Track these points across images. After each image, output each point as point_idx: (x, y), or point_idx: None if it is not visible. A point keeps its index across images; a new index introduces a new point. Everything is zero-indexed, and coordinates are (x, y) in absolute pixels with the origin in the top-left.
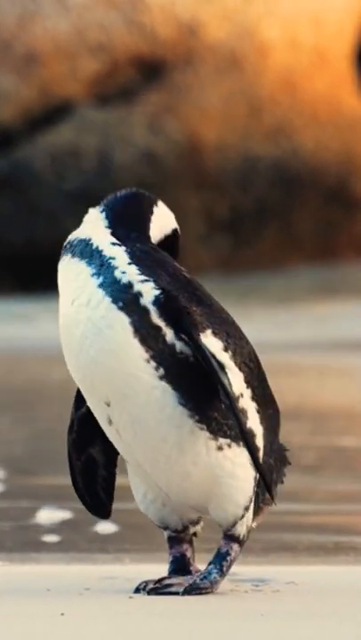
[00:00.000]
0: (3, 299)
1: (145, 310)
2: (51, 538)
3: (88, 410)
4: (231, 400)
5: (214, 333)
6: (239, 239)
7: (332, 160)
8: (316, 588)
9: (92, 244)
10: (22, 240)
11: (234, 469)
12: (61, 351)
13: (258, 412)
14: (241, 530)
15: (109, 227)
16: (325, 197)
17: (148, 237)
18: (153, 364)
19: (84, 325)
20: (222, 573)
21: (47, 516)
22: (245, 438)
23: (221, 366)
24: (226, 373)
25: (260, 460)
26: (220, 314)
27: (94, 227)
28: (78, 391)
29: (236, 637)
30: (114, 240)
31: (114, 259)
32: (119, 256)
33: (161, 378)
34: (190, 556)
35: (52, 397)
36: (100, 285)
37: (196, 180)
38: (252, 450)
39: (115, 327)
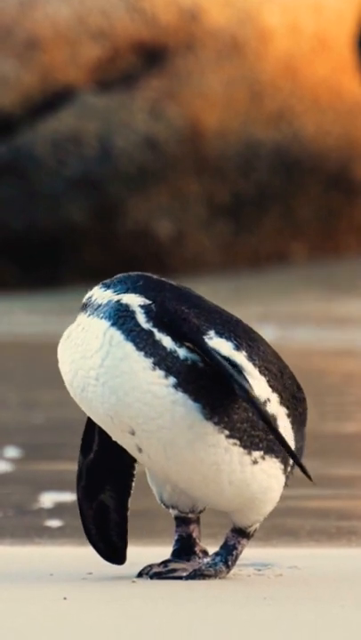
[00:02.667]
0: (3, 284)
1: (132, 317)
2: (53, 523)
3: (95, 456)
4: (251, 401)
5: (219, 334)
6: (240, 224)
7: (333, 145)
8: (318, 572)
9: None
10: (23, 225)
11: (269, 482)
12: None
13: (288, 415)
14: (253, 528)
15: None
16: (326, 182)
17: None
18: (160, 371)
19: (81, 368)
20: (228, 566)
21: (50, 500)
22: (271, 429)
23: (233, 364)
24: (240, 371)
25: (292, 449)
26: (220, 314)
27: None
28: (84, 437)
29: (239, 621)
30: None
31: (92, 295)
32: (95, 291)
33: (176, 387)
34: (196, 536)
35: (54, 383)
36: (89, 315)
37: (197, 165)
38: (281, 439)
39: (109, 343)
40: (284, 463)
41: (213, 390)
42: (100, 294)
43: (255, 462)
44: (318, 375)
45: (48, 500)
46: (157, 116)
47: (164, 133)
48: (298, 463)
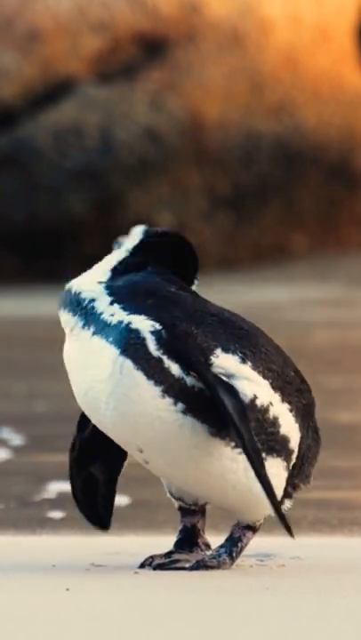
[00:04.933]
0: (4, 275)
1: (142, 344)
2: (56, 514)
3: (90, 433)
4: (245, 449)
5: (225, 350)
6: (241, 216)
7: (334, 137)
8: (320, 562)
9: (74, 292)
10: (24, 217)
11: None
12: (61, 330)
13: (291, 410)
14: (259, 522)
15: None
16: (328, 174)
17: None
18: (169, 399)
19: (92, 382)
20: (232, 558)
21: (53, 491)
22: (254, 464)
23: (231, 390)
24: (242, 410)
25: (270, 484)
26: (224, 325)
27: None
28: (82, 415)
29: (241, 612)
30: (98, 278)
31: (95, 300)
32: (100, 296)
33: (184, 413)
34: (201, 528)
35: (56, 374)
36: (94, 334)
37: (198, 156)
38: (259, 471)
39: (118, 371)
40: (287, 460)
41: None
42: (106, 307)
43: None
44: (318, 368)
45: (51, 490)
46: (158, 107)
47: (165, 125)
48: (279, 514)
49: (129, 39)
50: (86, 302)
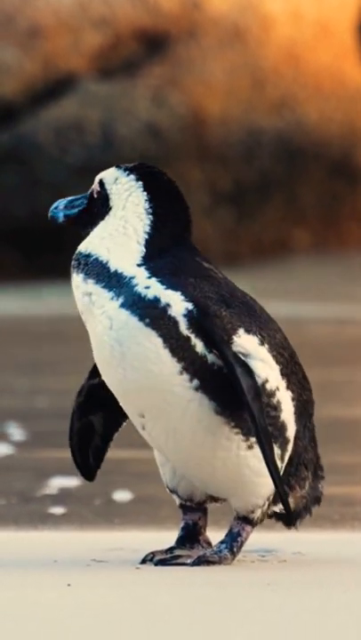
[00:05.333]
0: (6, 272)
1: (174, 322)
2: (57, 509)
3: (100, 383)
4: (256, 428)
5: (247, 331)
6: (243, 212)
7: (335, 132)
8: (322, 557)
9: (109, 268)
10: (26, 213)
11: (260, 466)
12: (67, 326)
13: (293, 399)
14: (256, 514)
15: (145, 238)
16: (329, 169)
17: (183, 231)
18: (186, 375)
19: (112, 347)
20: (233, 553)
21: (54, 487)
22: (262, 443)
23: (248, 370)
24: (251, 376)
25: (277, 464)
26: (248, 309)
27: (118, 247)
28: (95, 365)
29: (243, 607)
30: (137, 261)
31: (133, 277)
32: (139, 274)
33: (196, 389)
34: (202, 526)
35: (58, 369)
36: (123, 305)
37: (199, 152)
38: (267, 454)
39: (144, 344)
40: (281, 449)
41: (231, 391)
42: (144, 280)
43: (250, 447)
44: (318, 362)
45: (52, 486)
46: (160, 103)
47: (167, 121)
48: (284, 502)
49: (130, 35)
50: (125, 279)
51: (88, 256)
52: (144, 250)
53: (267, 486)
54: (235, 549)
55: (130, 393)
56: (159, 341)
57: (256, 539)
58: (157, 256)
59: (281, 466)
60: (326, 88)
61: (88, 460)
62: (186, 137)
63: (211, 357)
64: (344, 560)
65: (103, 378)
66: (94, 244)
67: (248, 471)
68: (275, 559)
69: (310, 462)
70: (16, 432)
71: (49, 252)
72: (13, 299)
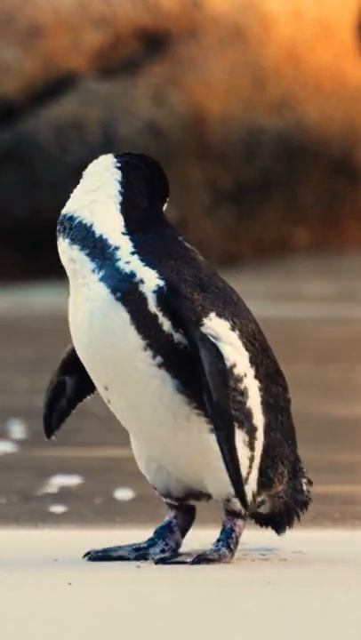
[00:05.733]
0: (6, 271)
1: (143, 298)
2: (58, 508)
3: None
4: (213, 409)
5: (219, 315)
6: (243, 211)
7: (336, 131)
8: (322, 556)
9: (94, 233)
10: (26, 212)
11: None
12: (67, 325)
13: (260, 389)
14: (240, 505)
15: (121, 200)
16: (330, 169)
17: (160, 211)
18: (150, 352)
19: (83, 315)
20: (230, 549)
21: (54, 486)
22: (217, 425)
23: (218, 355)
24: (221, 361)
25: (234, 450)
26: (224, 295)
27: (99, 206)
28: None
29: (243, 605)
30: (121, 228)
31: (118, 249)
32: (123, 245)
33: (159, 366)
34: (177, 524)
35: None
36: (102, 279)
37: (199, 151)
38: (221, 438)
39: (111, 317)
40: (249, 435)
41: (194, 371)
42: (127, 256)
43: (213, 431)
44: (319, 360)
45: (53, 485)
46: (160, 102)
47: (167, 120)
48: (238, 490)
49: (130, 34)
50: (110, 250)
51: (72, 219)
52: (123, 218)
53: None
54: (232, 546)
55: (95, 363)
56: (127, 316)
57: (257, 537)
58: (140, 229)
59: (252, 454)
60: (327, 87)
61: (52, 417)
62: (186, 136)
63: (177, 337)
64: (345, 559)
65: (73, 342)
66: (75, 204)
67: (213, 455)
68: (275, 558)
69: (286, 458)
70: (16, 430)
71: (49, 252)
72: (13, 298)
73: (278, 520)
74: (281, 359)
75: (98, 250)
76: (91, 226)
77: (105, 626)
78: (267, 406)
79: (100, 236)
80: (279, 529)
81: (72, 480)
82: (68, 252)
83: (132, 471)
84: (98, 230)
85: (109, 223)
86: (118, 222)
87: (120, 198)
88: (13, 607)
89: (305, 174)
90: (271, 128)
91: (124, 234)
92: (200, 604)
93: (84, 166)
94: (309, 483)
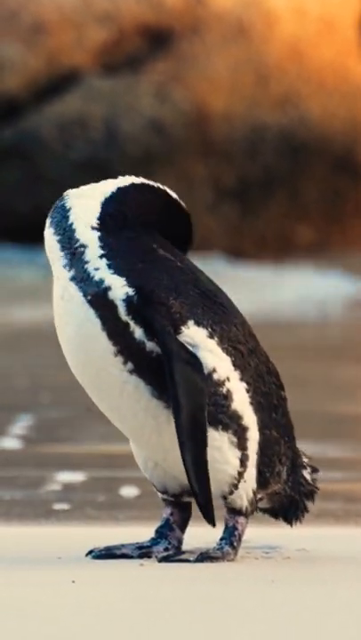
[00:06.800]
0: (6, 266)
1: (113, 305)
2: (61, 505)
3: None
4: (176, 418)
5: (197, 323)
6: (246, 207)
7: (339, 128)
8: (326, 554)
9: (68, 221)
10: (28, 209)
11: (213, 453)
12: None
13: (248, 391)
14: (241, 503)
15: (103, 202)
16: (332, 165)
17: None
18: (121, 358)
19: (60, 315)
20: (233, 547)
21: (58, 482)
22: (180, 433)
23: (198, 369)
24: (200, 376)
25: (199, 459)
26: (205, 299)
27: (84, 199)
28: None
29: (247, 603)
30: (93, 223)
31: (85, 247)
32: (92, 245)
33: (131, 372)
34: (175, 521)
35: (62, 365)
36: (72, 279)
37: (203, 148)
38: (184, 445)
39: (84, 321)
40: (237, 436)
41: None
42: (95, 259)
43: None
44: (321, 358)
45: (56, 482)
46: (163, 99)
47: (170, 117)
48: (199, 503)
49: (134, 31)
50: (77, 245)
51: (61, 199)
52: (101, 210)
53: (220, 473)
54: (235, 543)
55: (73, 361)
56: (98, 322)
57: (260, 535)
58: (114, 231)
59: (242, 454)
60: (330, 84)
61: None
62: (189, 133)
63: (150, 345)
64: (348, 556)
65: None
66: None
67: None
68: (279, 556)
69: (284, 456)
70: (20, 427)
71: None
72: (11, 291)
73: (284, 513)
74: (281, 357)
75: (67, 241)
76: (68, 210)
77: (108, 624)
78: (258, 406)
79: (71, 225)
80: (287, 521)
81: (76, 477)
82: (48, 240)
83: (136, 468)
84: (71, 218)
85: (86, 213)
86: (93, 215)
87: (109, 196)
88: (16, 605)
89: (308, 171)
90: (274, 125)
91: (94, 229)
92: (203, 602)
93: (87, 163)
94: (314, 471)
